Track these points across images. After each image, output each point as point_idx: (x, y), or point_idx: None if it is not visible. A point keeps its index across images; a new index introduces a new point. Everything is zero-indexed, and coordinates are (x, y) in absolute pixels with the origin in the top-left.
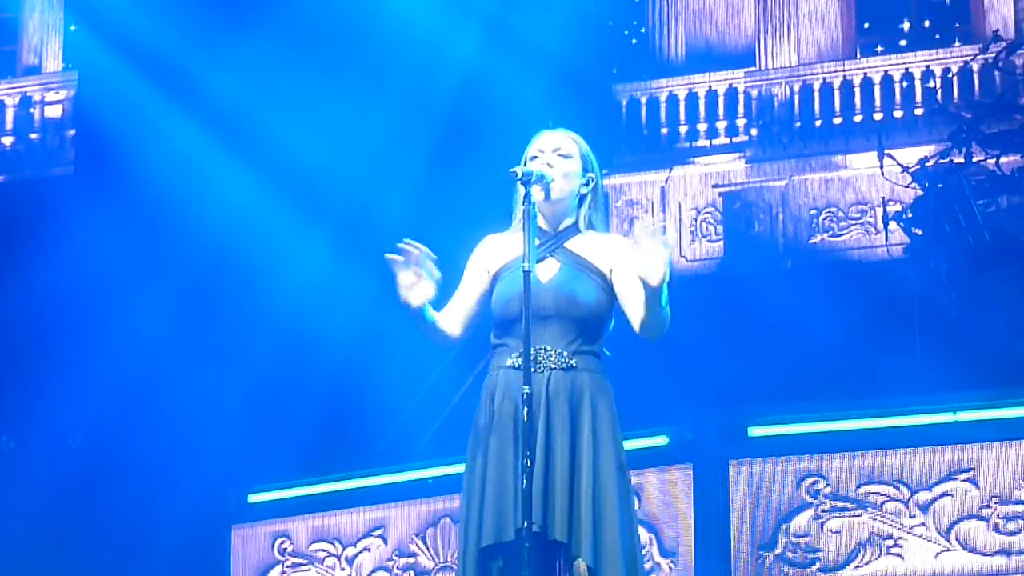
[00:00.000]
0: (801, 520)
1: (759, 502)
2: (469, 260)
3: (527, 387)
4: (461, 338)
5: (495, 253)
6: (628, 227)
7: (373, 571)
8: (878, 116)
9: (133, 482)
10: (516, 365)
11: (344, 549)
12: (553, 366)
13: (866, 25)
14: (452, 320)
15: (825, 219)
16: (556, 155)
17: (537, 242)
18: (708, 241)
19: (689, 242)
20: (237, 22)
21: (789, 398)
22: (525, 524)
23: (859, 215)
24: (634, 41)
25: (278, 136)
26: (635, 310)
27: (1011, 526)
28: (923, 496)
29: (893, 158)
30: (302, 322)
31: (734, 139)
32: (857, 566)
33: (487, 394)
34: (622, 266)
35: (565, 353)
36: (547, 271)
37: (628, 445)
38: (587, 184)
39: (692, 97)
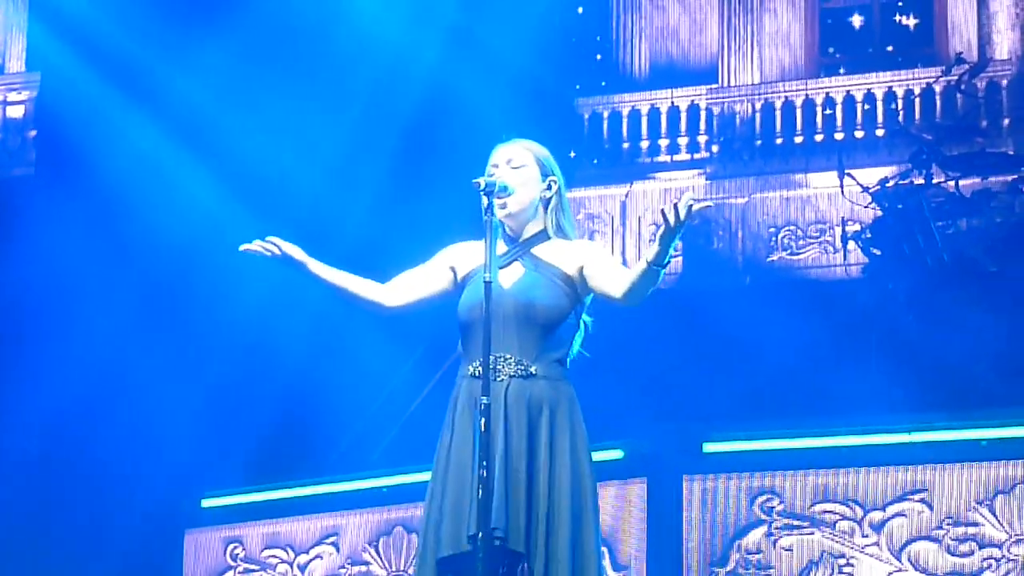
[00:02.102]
0: (754, 537)
1: (713, 518)
2: (438, 253)
3: (485, 397)
4: (395, 311)
5: (465, 258)
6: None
7: None
8: (839, 136)
9: (87, 483)
10: (476, 374)
11: (296, 556)
12: (512, 374)
13: (830, 49)
14: (390, 290)
15: (784, 237)
16: (509, 167)
17: (506, 249)
18: None
19: None
20: (201, 26)
21: (745, 415)
22: (480, 534)
23: (818, 234)
24: (599, 56)
25: (239, 141)
26: (618, 277)
27: (963, 548)
28: (876, 516)
29: (853, 178)
30: (260, 328)
31: (695, 155)
32: None
33: (451, 404)
34: (593, 257)
35: (524, 361)
36: (510, 277)
37: None
38: (548, 188)
39: (654, 112)
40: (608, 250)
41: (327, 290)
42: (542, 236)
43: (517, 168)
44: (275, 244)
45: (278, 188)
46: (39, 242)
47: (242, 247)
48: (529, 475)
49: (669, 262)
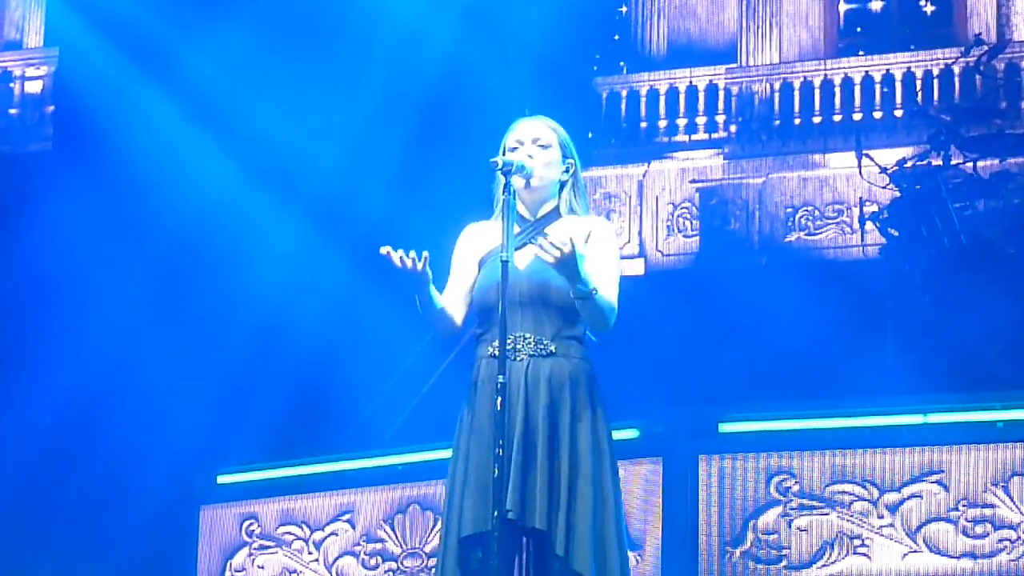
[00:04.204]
0: (769, 517)
1: (728, 498)
2: (455, 250)
3: (501, 376)
4: (463, 326)
5: (479, 241)
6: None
7: (340, 556)
8: (857, 116)
9: (103, 460)
10: (495, 354)
11: (312, 533)
12: (532, 353)
13: (849, 29)
14: (452, 308)
15: (801, 217)
16: (536, 145)
17: (517, 230)
18: (684, 236)
19: (665, 236)
20: (219, 4)
21: (761, 395)
22: (496, 513)
23: (835, 215)
24: (617, 37)
25: (256, 120)
26: None
27: (979, 529)
28: (891, 497)
29: (871, 159)
30: (276, 305)
31: (713, 135)
32: (824, 565)
33: (471, 384)
34: (589, 255)
35: (543, 340)
36: (525, 258)
37: None
38: (567, 171)
39: (672, 92)
40: (607, 251)
41: (429, 307)
42: (555, 215)
43: (544, 147)
44: (414, 259)
45: (294, 167)
46: (56, 217)
47: (383, 250)
48: (550, 452)
49: (588, 290)
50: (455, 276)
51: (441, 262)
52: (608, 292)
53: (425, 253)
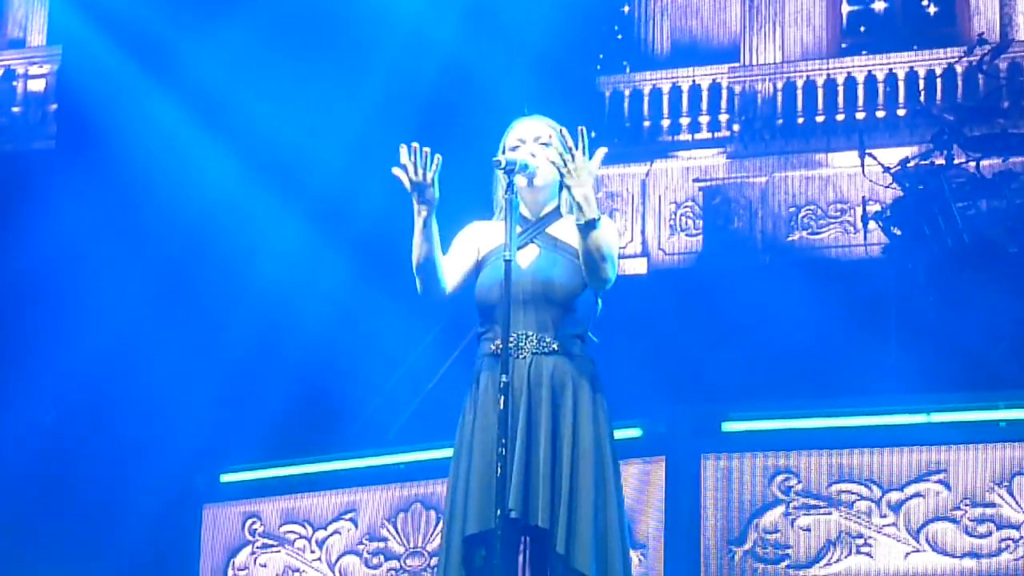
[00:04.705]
0: (772, 516)
1: (730, 497)
2: (458, 235)
3: (504, 376)
4: (449, 296)
5: (483, 238)
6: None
7: (343, 554)
8: (860, 115)
9: (105, 458)
10: (497, 352)
11: (315, 532)
12: (534, 351)
13: (852, 28)
14: (447, 271)
15: (804, 217)
16: (538, 144)
17: (519, 230)
18: (687, 235)
19: (668, 236)
20: (221, 3)
21: (763, 394)
22: (499, 511)
23: (838, 214)
24: (620, 36)
25: (258, 118)
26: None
27: (981, 529)
28: (894, 496)
29: (874, 158)
30: (279, 304)
31: (716, 134)
32: (826, 564)
33: (473, 383)
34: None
35: (547, 338)
36: (527, 257)
37: None
38: None
39: (675, 91)
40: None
41: (426, 246)
42: (556, 214)
43: (546, 146)
44: (427, 155)
45: (297, 165)
46: (58, 215)
47: (400, 161)
48: (552, 450)
49: (597, 216)
50: (455, 252)
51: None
52: (611, 243)
53: (438, 156)
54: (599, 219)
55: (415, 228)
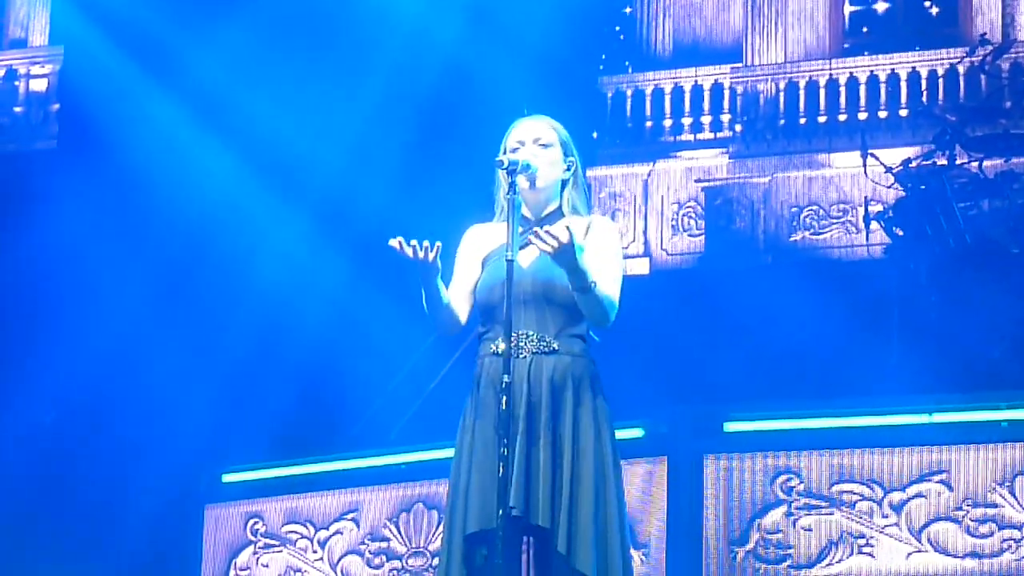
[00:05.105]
0: (774, 517)
1: (732, 498)
2: (459, 250)
3: (506, 376)
4: (466, 325)
5: (482, 242)
6: (611, 217)
7: (345, 554)
8: (863, 116)
9: (107, 458)
10: (498, 352)
11: (317, 532)
12: (535, 351)
13: (854, 29)
14: (457, 305)
15: (806, 217)
16: (538, 145)
17: (521, 230)
18: (689, 235)
19: (670, 236)
20: (222, 3)
21: (765, 394)
22: (501, 511)
23: (841, 214)
24: (622, 37)
25: (260, 119)
26: None
27: (983, 529)
28: (896, 496)
29: (876, 158)
30: (279, 304)
31: (718, 134)
32: (828, 564)
33: (474, 382)
34: (589, 255)
35: (547, 337)
36: (528, 257)
37: None
38: (568, 169)
39: (678, 91)
40: (608, 246)
41: (435, 302)
42: (557, 215)
43: (546, 147)
44: (426, 248)
45: (296, 165)
46: (60, 215)
47: (392, 242)
48: (553, 450)
49: (587, 282)
50: (459, 275)
51: (443, 261)
52: (608, 287)
53: (438, 244)
54: (593, 285)
55: (423, 290)
